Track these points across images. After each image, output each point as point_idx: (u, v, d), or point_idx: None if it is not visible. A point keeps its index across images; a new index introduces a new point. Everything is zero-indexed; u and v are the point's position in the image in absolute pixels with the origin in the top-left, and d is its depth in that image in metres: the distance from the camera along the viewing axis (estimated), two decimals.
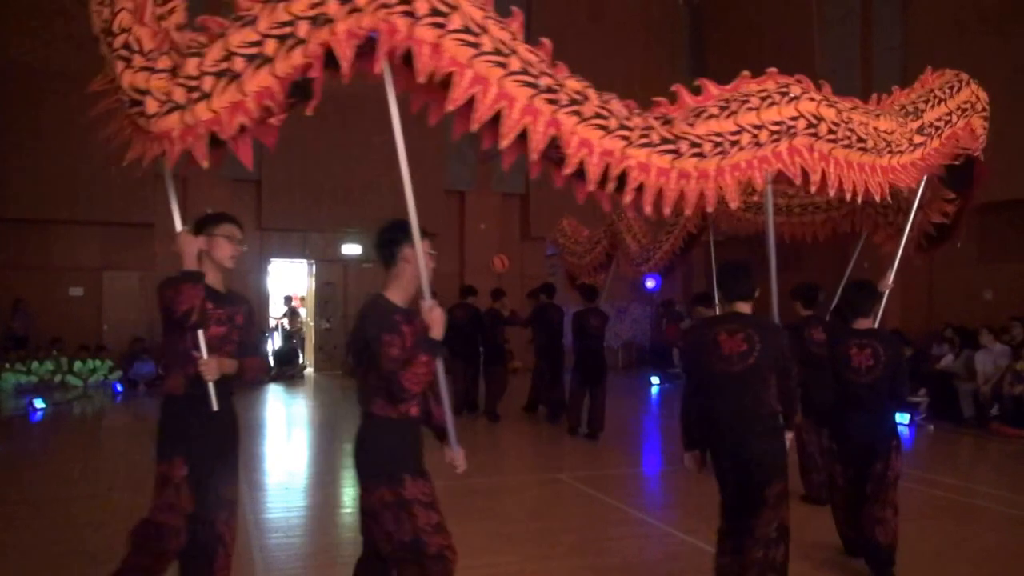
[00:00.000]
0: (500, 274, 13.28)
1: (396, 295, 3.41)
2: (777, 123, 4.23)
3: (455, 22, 3.27)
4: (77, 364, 14.80)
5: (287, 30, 3.21)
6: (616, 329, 18.97)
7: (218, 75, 3.23)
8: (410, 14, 3.22)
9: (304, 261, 18.02)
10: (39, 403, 12.23)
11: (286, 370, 16.46)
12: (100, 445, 10.45)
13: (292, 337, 17.18)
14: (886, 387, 5.14)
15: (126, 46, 3.30)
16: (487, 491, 7.43)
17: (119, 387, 14.50)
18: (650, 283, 17.29)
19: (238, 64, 3.22)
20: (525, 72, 3.46)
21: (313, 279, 18.00)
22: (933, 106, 5.51)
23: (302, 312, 18.01)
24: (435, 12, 3.25)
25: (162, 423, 3.70)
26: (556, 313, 11.38)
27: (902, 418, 11.00)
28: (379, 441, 3.29)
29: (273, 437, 10.83)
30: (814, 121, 4.38)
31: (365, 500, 3.30)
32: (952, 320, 12.84)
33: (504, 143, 3.51)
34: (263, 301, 17.34)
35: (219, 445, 3.75)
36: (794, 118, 4.29)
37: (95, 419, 12.55)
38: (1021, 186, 12.12)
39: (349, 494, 7.64)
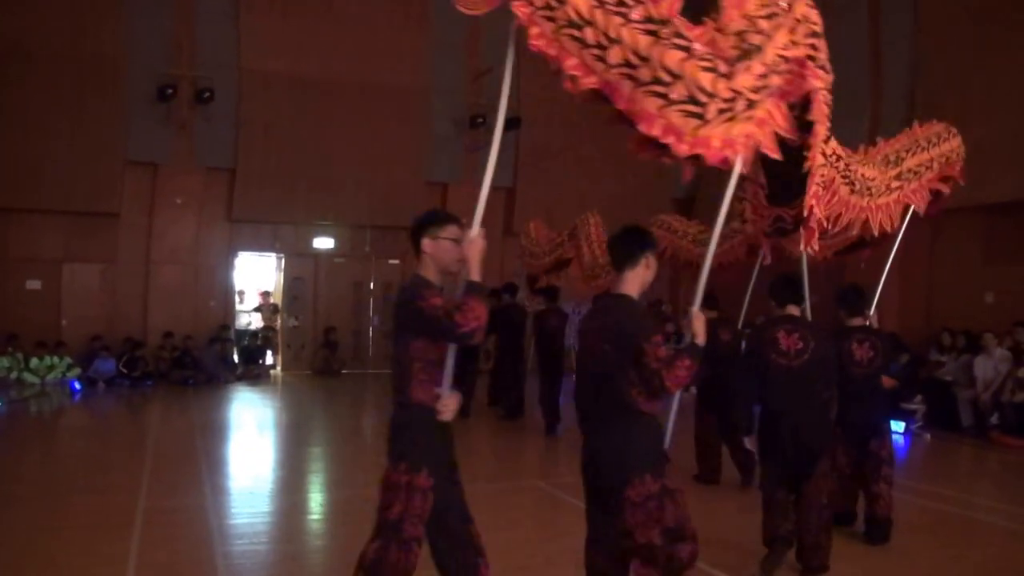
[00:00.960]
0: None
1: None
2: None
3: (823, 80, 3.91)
4: (34, 361, 14.27)
5: (790, 52, 3.56)
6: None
7: (760, 89, 3.34)
8: (812, 59, 3.74)
9: (273, 255, 17.54)
10: None
11: (252, 369, 16.00)
12: (57, 445, 10.10)
13: (260, 334, 16.74)
14: (879, 376, 6.00)
15: (679, 35, 3.19)
16: None
17: (77, 385, 14.03)
18: None
19: (774, 80, 3.43)
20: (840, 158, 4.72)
21: (282, 274, 17.56)
22: (914, 154, 6.29)
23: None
24: (822, 67, 3.84)
25: (408, 431, 3.62)
26: (518, 313, 11.63)
27: (897, 426, 10.83)
28: (647, 435, 3.51)
29: (238, 440, 10.51)
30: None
31: (631, 492, 3.40)
32: (952, 324, 12.39)
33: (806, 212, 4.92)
34: (230, 296, 16.87)
35: (452, 455, 3.81)
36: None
37: (53, 418, 12.17)
38: None
39: (316, 500, 7.47)
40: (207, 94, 15.12)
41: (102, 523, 6.13)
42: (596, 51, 3.17)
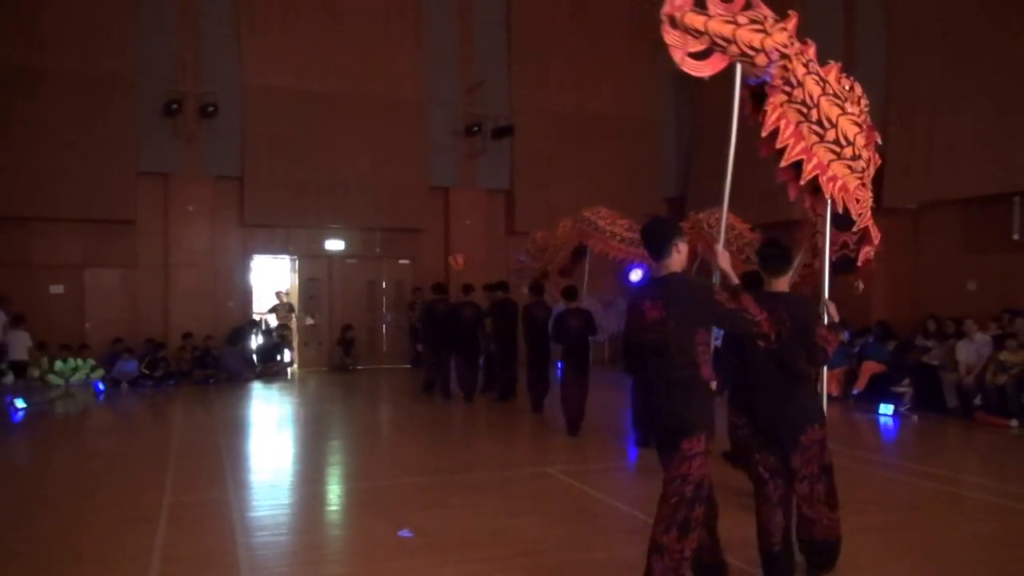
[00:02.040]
0: (459, 272, 13.89)
1: None
2: None
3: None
4: (58, 363, 14.66)
5: (862, 118, 5.01)
6: (602, 323, 18.93)
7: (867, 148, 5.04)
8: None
9: (287, 257, 17.88)
10: (20, 403, 12.10)
11: (270, 367, 16.33)
12: (83, 444, 10.36)
13: (276, 332, 17.01)
14: None
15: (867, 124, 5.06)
16: (473, 486, 7.43)
17: (101, 386, 14.38)
18: (634, 276, 17.22)
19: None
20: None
21: (296, 275, 17.88)
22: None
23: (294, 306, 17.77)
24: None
25: (702, 405, 4.18)
26: (510, 306, 12.54)
27: (886, 408, 11.17)
28: (814, 396, 4.81)
29: (258, 435, 10.76)
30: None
31: (805, 437, 4.60)
32: (937, 311, 12.81)
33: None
34: (247, 297, 17.23)
35: None
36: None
37: (78, 418, 12.46)
38: (1003, 180, 12.33)
39: (335, 491, 7.65)
40: (211, 108, 15.70)
41: (128, 518, 6.30)
42: (817, 127, 4.64)
